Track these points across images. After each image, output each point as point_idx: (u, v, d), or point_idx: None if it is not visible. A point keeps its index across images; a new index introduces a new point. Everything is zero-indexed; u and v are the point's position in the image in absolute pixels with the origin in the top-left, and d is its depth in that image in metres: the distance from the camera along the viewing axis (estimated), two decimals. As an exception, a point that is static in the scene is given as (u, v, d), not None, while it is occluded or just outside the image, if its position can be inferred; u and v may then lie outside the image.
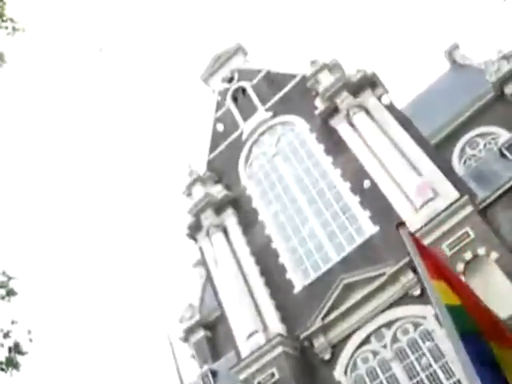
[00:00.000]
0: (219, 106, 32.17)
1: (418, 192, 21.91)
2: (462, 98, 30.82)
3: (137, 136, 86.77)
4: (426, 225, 20.69)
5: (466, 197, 20.63)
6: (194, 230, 28.28)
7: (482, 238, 19.92)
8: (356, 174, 24.53)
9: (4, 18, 9.44)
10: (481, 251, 19.80)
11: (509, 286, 18.85)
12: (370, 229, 23.16)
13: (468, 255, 19.94)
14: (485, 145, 30.09)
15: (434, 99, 33.00)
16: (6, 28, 9.38)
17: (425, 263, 5.90)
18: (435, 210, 21.02)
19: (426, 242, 19.85)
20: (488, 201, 20.91)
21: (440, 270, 5.95)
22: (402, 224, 6.43)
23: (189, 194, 29.27)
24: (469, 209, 20.50)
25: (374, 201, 23.42)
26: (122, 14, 78.49)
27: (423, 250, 6.10)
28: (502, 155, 23.99)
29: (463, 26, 71.80)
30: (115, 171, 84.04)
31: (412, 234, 6.28)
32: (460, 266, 19.76)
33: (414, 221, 20.90)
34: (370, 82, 26.19)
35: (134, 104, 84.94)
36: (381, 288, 21.43)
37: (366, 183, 24.03)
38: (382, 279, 21.34)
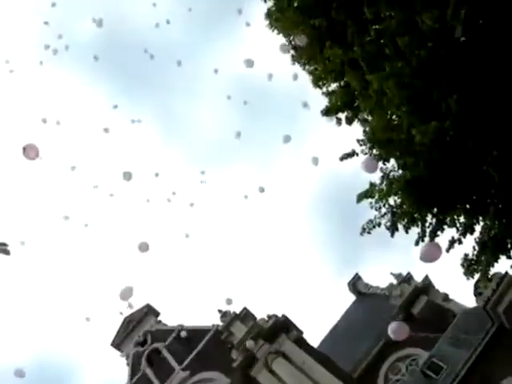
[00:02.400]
0: (134, 370, 30.90)
1: None
2: (373, 325, 31.55)
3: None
4: None
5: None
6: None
7: None
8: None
9: None
10: None
11: None
12: None
13: None
14: (406, 367, 30.21)
15: (348, 332, 33.52)
16: None
17: None
18: None
19: None
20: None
21: None
22: None
23: None
24: None
25: None
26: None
27: None
28: (426, 375, 24.17)
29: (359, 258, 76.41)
30: None
31: None
32: None
33: None
34: (282, 326, 26.55)
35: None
36: None
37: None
38: None
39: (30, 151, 12.37)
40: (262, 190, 21.36)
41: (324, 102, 12.69)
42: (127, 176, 19.34)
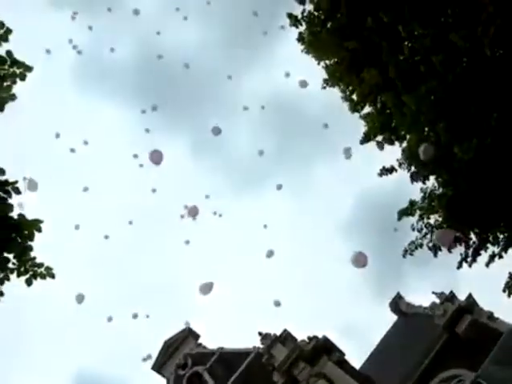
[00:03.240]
0: (175, 394, 30.96)
1: None
2: (416, 347, 30.96)
3: None
4: None
5: None
6: None
7: None
8: None
9: None
10: None
11: None
12: None
13: None
14: (452, 388, 29.48)
15: (390, 352, 32.95)
16: None
17: None
18: None
19: None
20: None
21: None
22: None
23: None
24: None
25: None
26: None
27: None
28: (475, 395, 23.55)
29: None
30: None
31: None
32: None
33: None
34: (324, 348, 26.28)
35: None
36: None
37: None
38: None
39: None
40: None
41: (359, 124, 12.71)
42: None
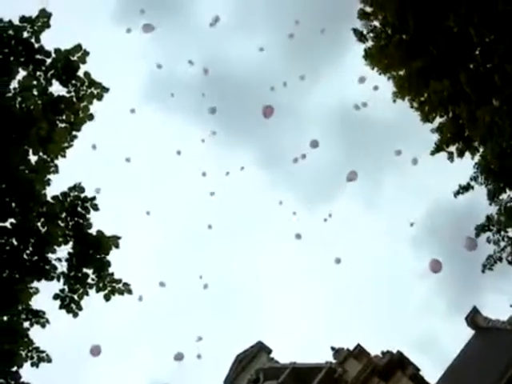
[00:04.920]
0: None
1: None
2: (494, 362, 29.86)
3: None
4: None
5: None
6: None
7: None
8: None
9: None
10: None
11: None
12: None
13: None
14: (533, 407, 28.20)
15: (467, 368, 31.87)
16: None
17: None
18: None
19: None
20: None
21: None
22: None
23: None
24: None
25: None
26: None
27: None
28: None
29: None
30: None
31: None
32: None
33: None
34: (398, 363, 25.79)
35: None
36: None
37: None
38: None
39: None
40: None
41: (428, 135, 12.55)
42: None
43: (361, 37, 12.51)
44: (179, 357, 22.14)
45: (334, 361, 27.60)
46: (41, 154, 9.12)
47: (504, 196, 11.12)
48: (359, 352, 27.42)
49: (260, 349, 32.93)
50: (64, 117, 9.25)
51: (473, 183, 11.57)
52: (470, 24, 10.77)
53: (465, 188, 11.67)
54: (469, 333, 36.61)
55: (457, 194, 11.78)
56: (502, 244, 11.24)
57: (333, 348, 27.75)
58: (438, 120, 12.10)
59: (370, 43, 12.54)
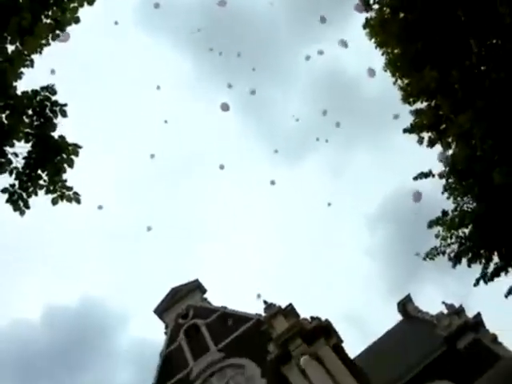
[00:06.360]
0: (171, 340, 31.63)
1: None
2: (414, 350, 31.00)
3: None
4: None
5: None
6: None
7: None
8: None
9: None
10: None
11: None
12: None
13: None
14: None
15: (387, 350, 33.06)
16: None
17: None
18: None
19: None
20: None
21: None
22: None
23: None
24: None
25: None
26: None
27: None
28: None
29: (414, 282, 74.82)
30: None
31: None
32: None
33: None
34: (323, 331, 26.48)
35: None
36: None
37: None
38: None
39: None
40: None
41: (409, 119, 12.56)
42: None
43: (366, 4, 12.28)
44: None
45: (263, 314, 28.22)
46: (17, 44, 8.81)
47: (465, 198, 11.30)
48: (290, 311, 28.07)
49: (196, 287, 33.41)
50: (50, 13, 8.92)
51: (435, 172, 11.72)
52: (470, 24, 10.74)
53: (425, 175, 11.82)
54: (398, 318, 37.90)
55: (415, 178, 11.95)
56: (450, 241, 11.49)
57: (265, 302, 28.32)
58: (419, 105, 12.09)
59: (373, 14, 12.36)
